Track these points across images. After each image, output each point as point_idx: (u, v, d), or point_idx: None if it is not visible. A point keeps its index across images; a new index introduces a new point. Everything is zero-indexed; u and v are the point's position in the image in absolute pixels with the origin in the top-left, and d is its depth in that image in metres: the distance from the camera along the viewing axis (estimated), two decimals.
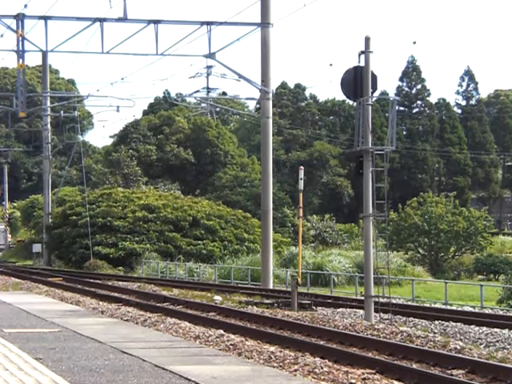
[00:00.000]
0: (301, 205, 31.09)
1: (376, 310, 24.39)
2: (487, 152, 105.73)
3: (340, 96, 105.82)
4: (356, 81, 24.81)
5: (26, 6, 43.88)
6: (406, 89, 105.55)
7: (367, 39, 24.71)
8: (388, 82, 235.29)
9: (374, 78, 24.96)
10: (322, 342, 18.31)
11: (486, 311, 29.75)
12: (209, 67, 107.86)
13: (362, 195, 25.01)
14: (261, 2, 39.51)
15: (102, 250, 57.55)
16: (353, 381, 12.61)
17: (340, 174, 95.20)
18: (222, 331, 18.69)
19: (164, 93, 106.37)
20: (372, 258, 24.94)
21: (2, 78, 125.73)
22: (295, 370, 13.55)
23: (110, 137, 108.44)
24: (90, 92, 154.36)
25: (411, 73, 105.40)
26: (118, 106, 57.49)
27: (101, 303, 27.38)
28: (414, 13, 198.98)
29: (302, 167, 31.70)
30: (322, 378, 12.95)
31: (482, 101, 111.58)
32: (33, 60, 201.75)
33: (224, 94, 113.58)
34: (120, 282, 41.42)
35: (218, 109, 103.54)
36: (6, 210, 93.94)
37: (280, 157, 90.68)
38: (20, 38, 42.15)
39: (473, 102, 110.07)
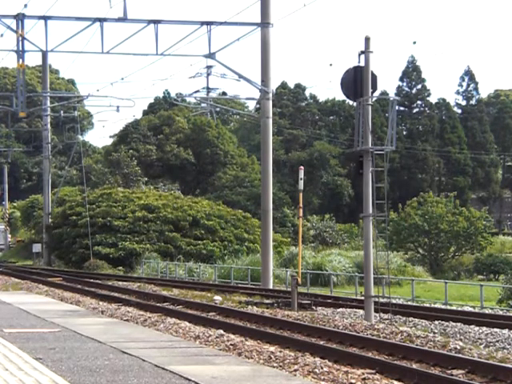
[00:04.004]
0: (301, 205, 31.08)
1: (376, 310, 24.38)
2: (487, 152, 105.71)
3: (340, 96, 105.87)
4: (356, 81, 24.80)
5: (25, 5, 43.94)
6: (406, 89, 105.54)
7: (367, 39, 24.70)
8: (388, 82, 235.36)
9: (374, 78, 24.96)
10: (321, 342, 18.31)
11: (486, 311, 29.74)
12: (209, 67, 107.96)
13: (362, 195, 25.01)
14: (261, 2, 39.49)
15: (102, 249, 57.54)
16: (353, 381, 12.61)
17: (340, 173, 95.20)
18: (222, 331, 18.70)
19: (164, 93, 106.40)
20: (372, 258, 24.94)
21: (1, 78, 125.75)
22: (295, 370, 13.55)
23: (110, 137, 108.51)
24: (89, 92, 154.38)
25: (411, 73, 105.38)
26: (117, 106, 57.43)
27: (101, 303, 27.38)
28: (414, 13, 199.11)
29: (301, 167, 31.68)
30: (322, 378, 12.95)
31: (481, 101, 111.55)
32: (33, 60, 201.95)
33: (224, 94, 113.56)
34: (120, 282, 41.41)
35: (217, 109, 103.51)
36: (6, 210, 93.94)
37: (280, 157, 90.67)
38: (20, 38, 42.11)
39: (473, 102, 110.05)
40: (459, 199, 71.70)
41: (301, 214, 31.47)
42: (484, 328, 22.24)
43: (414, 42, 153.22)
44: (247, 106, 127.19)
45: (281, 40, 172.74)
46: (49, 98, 68.60)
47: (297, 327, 20.88)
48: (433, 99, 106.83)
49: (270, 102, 40.46)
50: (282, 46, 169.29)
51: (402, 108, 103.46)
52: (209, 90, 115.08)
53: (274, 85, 48.95)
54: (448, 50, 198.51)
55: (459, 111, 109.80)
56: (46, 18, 42.77)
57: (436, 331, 21.98)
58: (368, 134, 24.46)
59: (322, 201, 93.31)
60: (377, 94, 44.18)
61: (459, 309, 30.94)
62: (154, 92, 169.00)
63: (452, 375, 14.33)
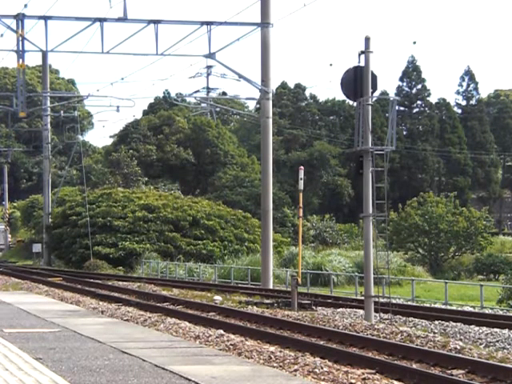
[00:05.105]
0: (301, 205, 31.08)
1: (376, 310, 24.38)
2: (487, 152, 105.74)
3: (340, 96, 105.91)
4: (356, 81, 24.79)
5: (26, 5, 43.96)
6: (406, 89, 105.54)
7: (367, 39, 24.70)
8: (388, 82, 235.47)
9: (374, 78, 24.95)
10: (321, 342, 18.30)
11: (486, 311, 29.74)
12: (209, 67, 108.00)
13: (362, 195, 25.00)
14: (261, 2, 39.50)
15: (102, 249, 57.53)
16: (353, 381, 12.61)
17: (340, 173, 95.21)
18: (222, 331, 18.69)
19: (164, 93, 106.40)
20: (372, 258, 24.93)
21: (2, 78, 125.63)
22: (295, 370, 13.54)
23: (110, 137, 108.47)
24: (89, 92, 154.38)
25: (411, 73, 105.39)
26: (117, 106, 57.49)
27: (101, 303, 27.37)
28: (414, 13, 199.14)
29: (302, 167, 31.68)
30: (322, 378, 12.95)
31: (481, 101, 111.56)
32: (33, 60, 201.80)
33: (224, 93, 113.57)
34: (120, 282, 41.40)
35: (218, 109, 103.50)
36: (6, 210, 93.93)
37: (280, 157, 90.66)
38: (20, 38, 42.13)
39: (473, 102, 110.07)
40: (459, 199, 71.71)
41: (301, 214, 31.46)
42: (484, 328, 22.23)
43: (414, 42, 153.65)
44: (247, 106, 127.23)
45: (281, 40, 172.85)
46: (49, 97, 68.57)
47: (297, 327, 20.88)
48: (433, 99, 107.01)
49: (270, 102, 40.47)
50: (282, 46, 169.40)
51: (402, 108, 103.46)
52: (209, 90, 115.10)
53: (274, 85, 48.98)
54: (448, 50, 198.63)
55: (459, 111, 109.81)
56: (46, 18, 42.80)
57: (436, 331, 21.97)
58: (368, 134, 24.46)
59: (322, 201, 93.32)
60: (377, 94, 44.19)
61: (459, 309, 30.93)
62: (154, 92, 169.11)
63: (452, 375, 14.33)
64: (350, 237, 73.88)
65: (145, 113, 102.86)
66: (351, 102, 77.81)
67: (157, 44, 41.06)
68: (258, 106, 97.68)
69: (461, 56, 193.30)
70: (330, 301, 30.96)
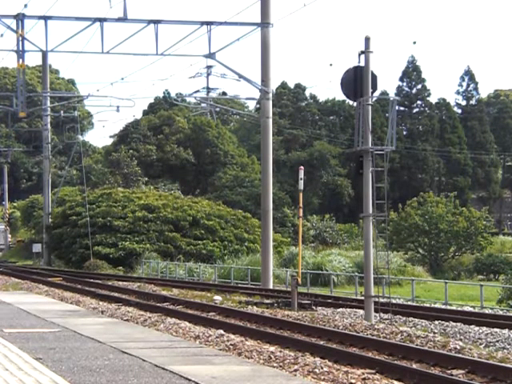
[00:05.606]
0: (301, 205, 31.08)
1: (376, 310, 24.37)
2: (487, 152, 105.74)
3: (340, 96, 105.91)
4: (356, 81, 24.79)
5: (26, 5, 43.96)
6: (406, 89, 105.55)
7: (367, 39, 24.70)
8: (388, 82, 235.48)
9: (374, 78, 24.95)
10: (322, 342, 18.30)
11: (486, 311, 29.74)
12: (209, 67, 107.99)
13: (362, 195, 25.00)
14: (261, 2, 39.49)
15: (102, 249, 57.52)
16: (353, 381, 12.61)
17: (340, 173, 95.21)
18: (222, 331, 18.69)
19: (164, 93, 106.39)
20: (372, 258, 24.93)
21: (2, 78, 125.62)
22: (295, 370, 13.55)
23: (110, 137, 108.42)
24: (89, 92, 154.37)
25: (411, 73, 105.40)
26: (117, 106, 57.47)
27: (101, 303, 27.37)
28: (414, 13, 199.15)
29: (302, 167, 31.68)
30: (322, 378, 12.95)
31: (481, 101, 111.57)
32: (33, 60, 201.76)
33: (224, 93, 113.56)
34: (120, 282, 41.39)
35: (217, 109, 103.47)
36: (6, 210, 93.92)
37: (280, 157, 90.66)
38: (20, 38, 42.12)
39: (473, 102, 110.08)
40: (459, 199, 71.68)
41: (301, 214, 31.46)
42: (484, 328, 22.23)
43: (414, 42, 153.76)
44: (247, 106, 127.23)
45: (281, 40, 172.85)
46: (49, 97, 68.55)
47: (297, 327, 20.88)
48: (433, 99, 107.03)
49: (270, 102, 40.46)
50: (282, 46, 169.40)
51: (402, 108, 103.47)
52: (209, 89, 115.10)
53: (274, 85, 49.01)
54: (448, 50, 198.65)
55: (459, 111, 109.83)
56: (46, 18, 42.80)
57: (436, 331, 21.97)
58: (368, 134, 24.46)
59: (322, 201, 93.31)
60: (377, 94, 44.17)
61: (459, 309, 30.93)
62: (154, 92, 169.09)
63: (452, 375, 14.33)
64: (350, 237, 73.86)
65: (145, 113, 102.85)
66: (351, 102, 77.77)
67: (157, 44, 41.09)
68: (257, 105, 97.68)
69: (461, 56, 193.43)
70: (330, 301, 30.96)
